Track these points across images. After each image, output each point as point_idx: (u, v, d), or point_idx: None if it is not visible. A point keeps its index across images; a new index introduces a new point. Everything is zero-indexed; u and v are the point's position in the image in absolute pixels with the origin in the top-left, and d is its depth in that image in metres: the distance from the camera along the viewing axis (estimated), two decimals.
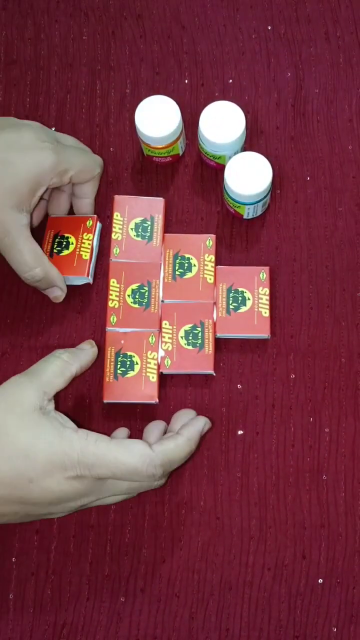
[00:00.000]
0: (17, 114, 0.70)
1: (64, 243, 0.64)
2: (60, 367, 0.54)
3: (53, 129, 0.69)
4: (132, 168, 0.69)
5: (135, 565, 0.60)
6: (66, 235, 0.64)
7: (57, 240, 0.64)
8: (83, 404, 0.63)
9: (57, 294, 0.63)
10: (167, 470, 0.54)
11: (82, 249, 0.64)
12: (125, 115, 0.70)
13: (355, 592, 0.59)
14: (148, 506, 0.61)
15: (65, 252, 0.64)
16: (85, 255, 0.64)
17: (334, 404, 0.63)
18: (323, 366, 0.63)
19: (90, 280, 0.64)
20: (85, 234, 0.64)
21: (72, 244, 0.64)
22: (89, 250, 0.64)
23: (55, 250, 0.64)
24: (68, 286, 0.64)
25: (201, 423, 0.58)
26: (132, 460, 0.51)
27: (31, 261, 0.59)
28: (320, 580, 0.59)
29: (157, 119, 0.64)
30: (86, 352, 0.58)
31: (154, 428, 0.58)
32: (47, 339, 0.64)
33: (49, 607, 0.59)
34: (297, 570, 0.60)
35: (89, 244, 0.64)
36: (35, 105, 0.70)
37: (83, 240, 0.64)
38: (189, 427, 0.57)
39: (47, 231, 0.65)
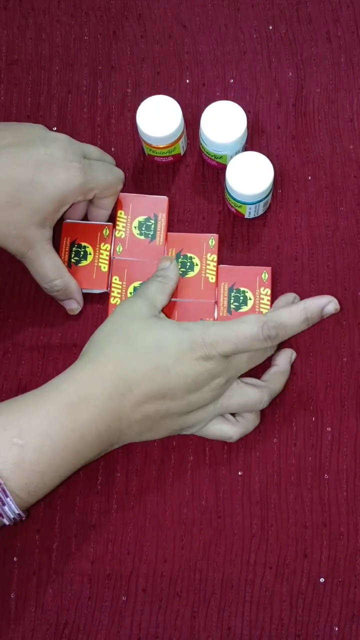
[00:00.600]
0: (18, 114, 0.70)
1: (82, 253, 0.64)
2: (159, 286, 0.60)
3: (54, 128, 0.70)
4: (134, 168, 0.69)
5: (136, 565, 0.60)
6: (83, 244, 0.65)
7: (74, 249, 0.65)
8: None
9: (73, 307, 0.63)
10: (280, 335, 0.56)
11: (100, 260, 0.64)
12: (127, 115, 0.70)
13: (357, 591, 0.59)
14: (149, 505, 0.61)
15: (84, 263, 0.64)
16: (104, 268, 0.64)
17: (335, 404, 0.63)
18: (325, 365, 0.63)
19: (108, 290, 0.65)
20: (102, 244, 0.65)
21: (90, 254, 0.64)
22: (107, 262, 0.64)
23: (73, 261, 0.64)
24: (84, 293, 0.65)
25: (325, 300, 0.58)
26: (248, 326, 0.55)
27: (52, 274, 0.61)
28: (322, 579, 0.59)
29: (158, 118, 0.64)
30: (171, 267, 0.61)
31: (277, 380, 0.61)
32: (49, 339, 0.64)
33: (51, 607, 0.59)
34: (298, 569, 0.60)
35: (106, 255, 0.64)
36: (36, 105, 0.70)
37: (101, 251, 0.65)
38: (310, 299, 0.58)
39: (63, 238, 0.65)
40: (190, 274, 0.64)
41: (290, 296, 0.63)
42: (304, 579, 0.60)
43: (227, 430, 0.59)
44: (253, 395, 0.58)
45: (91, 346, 0.56)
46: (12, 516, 0.52)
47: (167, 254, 0.65)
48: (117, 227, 0.65)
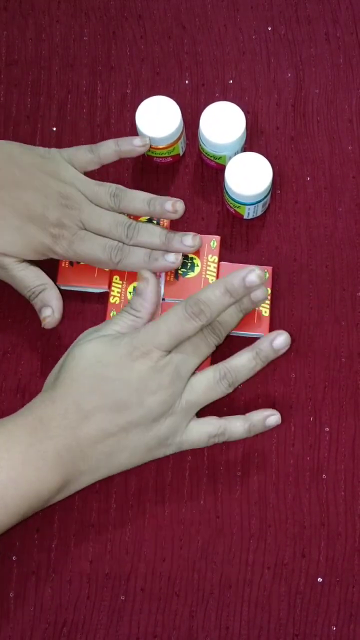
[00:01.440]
0: (18, 114, 0.70)
1: None
2: (129, 322, 0.59)
3: (54, 129, 0.70)
4: (133, 168, 0.69)
5: (135, 564, 0.60)
6: None
7: None
8: None
9: (47, 314, 0.61)
10: (205, 310, 0.57)
11: None
12: (126, 115, 0.70)
13: (355, 591, 0.59)
14: (148, 505, 0.61)
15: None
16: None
17: (334, 404, 0.63)
18: (323, 366, 0.64)
19: (108, 290, 0.65)
20: None
21: None
22: None
23: None
24: (83, 292, 0.65)
25: (242, 272, 0.57)
26: (172, 311, 0.57)
27: (30, 283, 0.62)
28: (320, 579, 0.60)
29: (158, 119, 0.64)
30: (148, 293, 0.59)
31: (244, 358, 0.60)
32: (48, 339, 0.64)
33: (49, 606, 0.59)
34: (296, 569, 0.60)
35: None
36: (36, 105, 0.71)
37: None
38: (230, 274, 0.58)
39: None
40: (191, 275, 0.64)
41: (248, 268, 0.59)
42: (302, 578, 0.60)
43: (213, 428, 0.59)
44: (212, 376, 0.58)
45: (52, 374, 0.59)
46: None
47: None
48: None
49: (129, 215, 0.64)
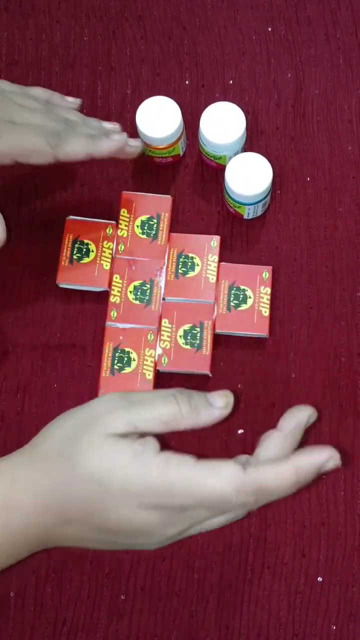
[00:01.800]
0: None
1: (84, 250, 0.64)
2: (171, 415, 0.45)
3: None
4: (133, 168, 0.69)
5: (135, 564, 0.60)
6: (86, 241, 0.65)
7: (76, 246, 0.65)
8: (78, 398, 0.63)
9: (134, 144, 0.58)
10: (260, 501, 0.44)
11: (102, 258, 0.64)
12: (126, 115, 0.70)
13: (355, 591, 0.59)
14: None
15: (86, 260, 0.64)
16: (107, 266, 0.64)
17: (334, 404, 0.63)
18: (323, 366, 0.64)
19: (108, 289, 0.65)
20: (105, 242, 0.65)
21: (93, 251, 0.64)
22: (109, 260, 0.64)
23: (75, 257, 0.64)
24: (83, 291, 0.64)
25: (323, 456, 0.45)
26: (220, 484, 0.43)
27: (41, 132, 0.57)
28: (320, 579, 0.60)
29: (158, 119, 0.64)
30: (212, 411, 0.46)
31: (273, 440, 0.47)
32: (49, 339, 0.65)
33: (50, 605, 0.59)
34: (296, 569, 0.60)
35: (109, 253, 0.65)
36: None
37: (104, 249, 0.65)
38: (304, 455, 0.44)
39: (65, 235, 0.65)
40: (191, 274, 0.64)
41: (305, 414, 0.48)
42: (302, 578, 0.60)
43: (226, 519, 0.47)
44: (219, 520, 0.46)
45: (41, 440, 0.46)
46: None
47: (169, 253, 0.65)
48: (119, 226, 0.66)
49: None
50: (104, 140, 0.57)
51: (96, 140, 0.57)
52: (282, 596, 0.60)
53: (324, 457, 0.44)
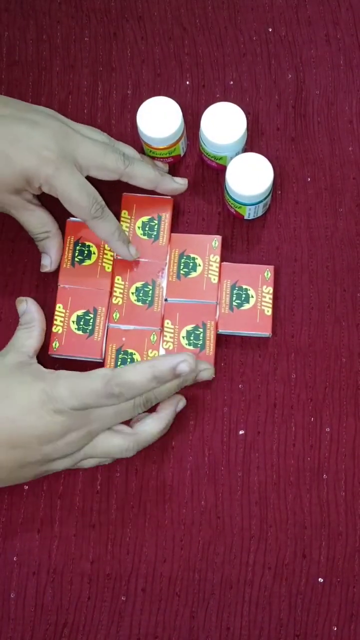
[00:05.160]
0: None
1: (86, 252, 0.64)
2: (25, 333, 0.60)
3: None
4: None
5: (136, 565, 0.60)
6: (87, 243, 0.65)
7: (77, 248, 0.65)
8: None
9: (45, 262, 0.63)
10: (126, 394, 0.55)
11: (104, 260, 0.64)
12: (127, 116, 0.70)
13: (356, 591, 0.59)
14: (149, 505, 0.61)
15: (87, 262, 0.64)
16: (108, 267, 0.64)
17: (334, 404, 0.63)
18: (324, 366, 0.64)
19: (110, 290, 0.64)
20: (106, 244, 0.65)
21: (94, 253, 0.64)
22: (111, 262, 0.64)
23: (76, 259, 0.64)
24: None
25: (178, 358, 0.56)
26: (92, 382, 0.54)
27: (34, 229, 0.63)
28: (321, 580, 0.60)
29: (159, 120, 0.64)
30: (30, 309, 0.60)
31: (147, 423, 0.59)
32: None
33: (50, 607, 0.59)
34: (297, 570, 0.60)
35: (111, 255, 0.64)
36: None
37: (105, 251, 0.64)
38: (161, 357, 0.57)
39: (66, 237, 0.65)
40: (193, 275, 0.64)
41: (180, 356, 0.57)
42: (302, 579, 0.60)
43: (118, 442, 0.57)
44: (117, 444, 0.57)
45: None
46: None
47: (170, 254, 0.65)
48: None
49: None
50: (123, 247, 0.62)
51: (119, 241, 0.62)
52: (283, 597, 0.59)
53: (178, 359, 0.56)
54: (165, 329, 0.63)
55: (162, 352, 0.62)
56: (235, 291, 0.64)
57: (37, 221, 0.62)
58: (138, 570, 0.60)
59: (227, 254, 0.66)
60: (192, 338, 0.62)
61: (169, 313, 0.63)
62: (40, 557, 0.60)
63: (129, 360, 0.62)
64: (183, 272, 0.64)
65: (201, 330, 0.63)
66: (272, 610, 0.59)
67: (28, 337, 0.59)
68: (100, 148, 0.61)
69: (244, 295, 0.63)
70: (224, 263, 0.65)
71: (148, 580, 0.60)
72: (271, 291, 0.64)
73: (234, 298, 0.63)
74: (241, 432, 0.62)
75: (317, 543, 0.60)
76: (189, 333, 0.63)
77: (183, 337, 0.62)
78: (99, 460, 0.59)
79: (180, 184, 0.65)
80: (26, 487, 0.61)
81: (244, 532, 0.60)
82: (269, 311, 0.63)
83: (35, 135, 0.58)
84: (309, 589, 0.59)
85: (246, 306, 0.63)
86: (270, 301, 0.63)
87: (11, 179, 0.58)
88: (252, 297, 0.63)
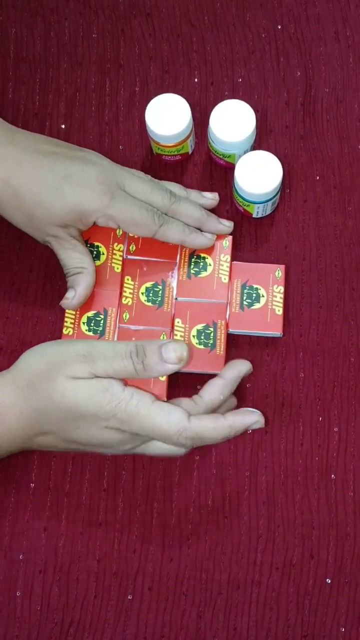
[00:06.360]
0: (26, 112, 0.70)
1: (95, 252, 0.64)
2: (127, 372, 0.55)
3: (63, 126, 0.69)
4: (142, 166, 0.69)
5: (142, 563, 0.60)
6: (96, 244, 0.64)
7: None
8: None
9: (68, 295, 0.61)
10: (196, 444, 0.56)
11: (114, 260, 0.64)
12: (135, 113, 0.70)
13: None
14: (156, 504, 0.61)
15: (97, 263, 0.64)
16: (117, 268, 0.64)
17: (343, 403, 0.62)
18: (332, 365, 0.63)
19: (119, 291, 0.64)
20: (115, 244, 0.64)
21: (103, 254, 0.64)
22: (120, 262, 0.64)
23: None
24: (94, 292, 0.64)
25: (252, 419, 0.56)
26: (166, 427, 0.54)
27: (69, 265, 0.62)
28: (329, 580, 0.59)
29: (167, 117, 0.64)
30: (164, 367, 0.55)
31: (215, 388, 0.58)
32: (57, 338, 0.64)
33: (56, 605, 0.59)
34: (305, 570, 0.60)
35: (120, 255, 0.64)
36: (44, 103, 0.70)
37: (114, 251, 0.64)
38: (238, 416, 0.56)
39: None
40: (203, 274, 0.64)
41: (244, 367, 0.59)
42: (310, 579, 0.59)
43: (168, 448, 0.57)
44: (167, 448, 0.57)
45: (24, 369, 0.56)
46: None
47: (181, 253, 0.64)
48: None
49: None
50: (199, 236, 0.62)
51: (192, 233, 0.62)
52: (291, 597, 0.59)
53: (253, 419, 0.57)
54: (176, 328, 0.62)
55: None
56: (245, 290, 0.63)
57: (77, 256, 0.61)
58: (145, 569, 0.60)
59: (235, 252, 0.66)
60: (202, 337, 0.62)
61: (179, 312, 0.63)
62: (46, 556, 0.60)
63: None
64: (193, 272, 0.64)
65: (212, 329, 0.62)
66: (279, 611, 0.59)
67: (119, 373, 0.55)
68: (148, 185, 0.62)
69: (254, 295, 0.63)
70: (235, 262, 0.64)
71: (155, 579, 0.60)
72: (282, 290, 0.63)
73: (245, 297, 0.63)
74: (249, 431, 0.62)
75: (325, 543, 0.60)
76: (199, 332, 0.62)
77: (193, 337, 0.62)
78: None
79: (226, 225, 0.64)
80: (32, 485, 0.61)
81: (251, 532, 0.60)
82: (279, 310, 0.63)
83: (88, 171, 0.59)
84: (317, 589, 0.59)
85: (257, 305, 0.63)
86: (281, 300, 0.63)
87: (62, 212, 0.59)
88: (263, 296, 0.63)
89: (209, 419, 0.55)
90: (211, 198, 0.65)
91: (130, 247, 0.64)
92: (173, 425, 0.54)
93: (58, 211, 0.59)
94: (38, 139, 0.61)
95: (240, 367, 0.59)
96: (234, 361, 0.59)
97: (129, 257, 0.64)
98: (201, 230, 0.64)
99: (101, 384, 0.54)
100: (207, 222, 0.63)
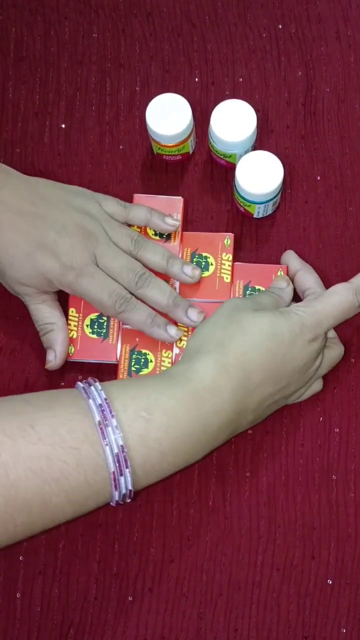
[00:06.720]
0: (26, 111, 0.70)
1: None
2: (272, 299, 0.60)
3: (63, 126, 0.69)
4: (142, 166, 0.68)
5: (143, 565, 0.60)
6: None
7: None
8: None
9: (49, 357, 0.61)
10: None
11: None
12: (135, 113, 0.70)
13: None
14: (156, 505, 0.61)
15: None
16: None
17: (343, 404, 0.62)
18: (335, 368, 0.63)
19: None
20: None
21: None
22: None
23: None
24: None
25: None
26: (343, 297, 0.58)
27: (40, 321, 0.62)
28: (330, 581, 0.59)
29: (168, 117, 0.64)
30: (287, 291, 0.61)
31: (308, 277, 0.63)
32: None
33: (56, 607, 0.59)
34: (306, 571, 0.59)
35: None
36: (44, 103, 0.70)
37: None
38: None
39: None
40: (205, 274, 0.63)
41: (292, 253, 0.64)
42: (311, 580, 0.59)
43: (316, 387, 0.61)
44: (334, 351, 0.61)
45: (204, 340, 0.56)
46: (124, 491, 0.51)
47: (182, 253, 0.64)
48: (132, 228, 0.64)
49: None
50: (160, 331, 0.61)
51: (154, 327, 0.61)
52: (292, 598, 0.59)
53: None
54: (179, 327, 0.62)
55: (176, 351, 0.62)
56: (248, 292, 0.63)
57: (46, 311, 0.61)
58: (145, 570, 0.60)
59: (236, 252, 0.66)
60: None
61: None
62: (46, 557, 0.60)
63: (142, 360, 0.61)
64: None
65: None
66: (280, 612, 0.59)
67: (271, 304, 0.60)
68: (118, 262, 0.60)
69: None
70: (237, 263, 0.64)
71: (155, 580, 0.59)
72: None
73: None
74: (249, 431, 0.62)
75: (326, 544, 0.60)
76: None
77: None
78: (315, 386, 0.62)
79: (192, 320, 0.61)
80: None
81: (252, 533, 0.60)
82: None
83: (60, 244, 0.59)
84: (318, 590, 0.59)
85: None
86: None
87: (30, 277, 0.60)
88: None
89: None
90: (170, 224, 0.63)
91: None
92: (345, 295, 0.58)
93: (27, 275, 0.60)
94: (22, 196, 0.60)
95: (291, 255, 0.64)
96: (284, 258, 0.65)
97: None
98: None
99: (274, 309, 0.58)
100: (173, 311, 0.61)
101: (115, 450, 0.50)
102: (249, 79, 0.71)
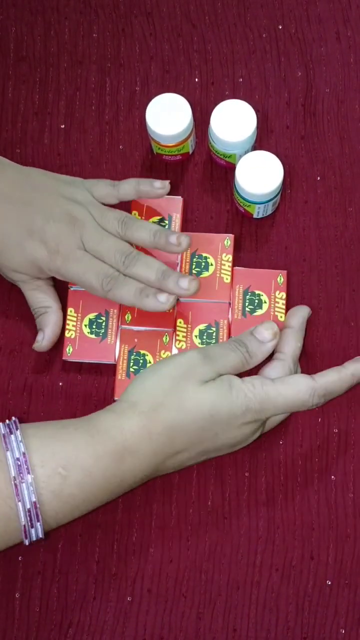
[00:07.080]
0: (26, 111, 0.70)
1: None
2: (240, 362, 0.57)
3: (62, 126, 0.69)
4: (142, 166, 0.68)
5: (142, 565, 0.60)
6: None
7: None
8: (94, 400, 0.63)
9: (37, 338, 0.62)
10: (326, 400, 0.57)
11: None
12: (135, 113, 0.70)
13: None
14: (155, 505, 0.61)
15: None
16: None
17: (342, 405, 0.62)
18: (332, 366, 0.63)
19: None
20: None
21: None
22: None
23: None
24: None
25: None
26: (298, 394, 0.55)
27: (34, 305, 0.63)
28: (329, 582, 0.59)
29: (168, 117, 0.64)
30: (264, 347, 0.58)
31: (290, 338, 0.60)
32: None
33: (55, 607, 0.59)
34: (305, 571, 0.59)
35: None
36: (44, 102, 0.70)
37: None
38: (356, 363, 0.58)
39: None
40: (205, 274, 0.63)
41: (305, 311, 0.62)
42: (310, 581, 0.59)
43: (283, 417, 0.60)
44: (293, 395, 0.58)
45: (143, 396, 0.55)
46: (34, 539, 0.53)
47: (182, 253, 0.64)
48: None
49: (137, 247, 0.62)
50: (150, 299, 0.59)
51: (143, 298, 0.59)
52: (291, 599, 0.59)
53: None
54: (178, 328, 0.62)
55: (174, 351, 0.62)
56: (247, 296, 0.63)
57: (41, 295, 0.62)
58: (144, 570, 0.60)
59: (235, 253, 0.66)
60: (204, 337, 0.62)
61: (181, 312, 0.63)
62: (45, 557, 0.60)
63: (141, 361, 0.61)
64: (195, 272, 0.63)
65: (214, 329, 0.62)
66: (279, 613, 0.59)
67: (237, 369, 0.57)
68: (104, 244, 0.60)
69: (256, 301, 0.63)
70: (237, 268, 0.64)
71: (154, 580, 0.59)
72: (284, 296, 0.63)
73: (247, 304, 0.63)
74: None
75: (325, 545, 0.60)
76: (201, 332, 0.62)
77: (196, 337, 0.62)
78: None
79: (183, 288, 0.59)
80: None
81: (251, 533, 0.60)
82: (282, 317, 0.63)
83: (47, 230, 0.59)
84: (317, 591, 0.59)
85: (259, 312, 0.63)
86: (284, 307, 0.63)
87: (21, 264, 0.61)
88: (265, 302, 0.63)
89: (332, 372, 0.57)
90: (159, 187, 0.62)
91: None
92: (304, 392, 0.55)
93: (17, 262, 0.61)
94: (14, 185, 0.61)
95: (302, 312, 0.62)
96: (294, 308, 0.62)
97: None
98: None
99: (225, 382, 0.55)
100: (164, 285, 0.59)
101: (28, 506, 0.51)
102: (249, 79, 0.71)
